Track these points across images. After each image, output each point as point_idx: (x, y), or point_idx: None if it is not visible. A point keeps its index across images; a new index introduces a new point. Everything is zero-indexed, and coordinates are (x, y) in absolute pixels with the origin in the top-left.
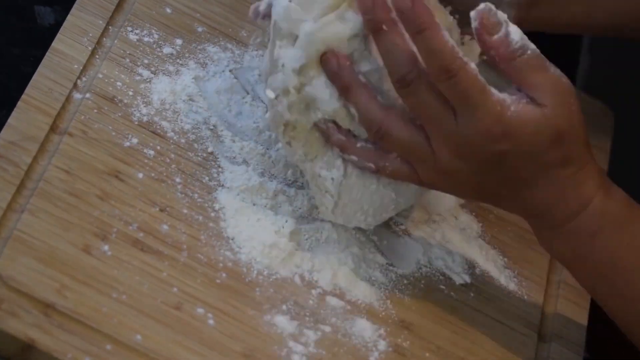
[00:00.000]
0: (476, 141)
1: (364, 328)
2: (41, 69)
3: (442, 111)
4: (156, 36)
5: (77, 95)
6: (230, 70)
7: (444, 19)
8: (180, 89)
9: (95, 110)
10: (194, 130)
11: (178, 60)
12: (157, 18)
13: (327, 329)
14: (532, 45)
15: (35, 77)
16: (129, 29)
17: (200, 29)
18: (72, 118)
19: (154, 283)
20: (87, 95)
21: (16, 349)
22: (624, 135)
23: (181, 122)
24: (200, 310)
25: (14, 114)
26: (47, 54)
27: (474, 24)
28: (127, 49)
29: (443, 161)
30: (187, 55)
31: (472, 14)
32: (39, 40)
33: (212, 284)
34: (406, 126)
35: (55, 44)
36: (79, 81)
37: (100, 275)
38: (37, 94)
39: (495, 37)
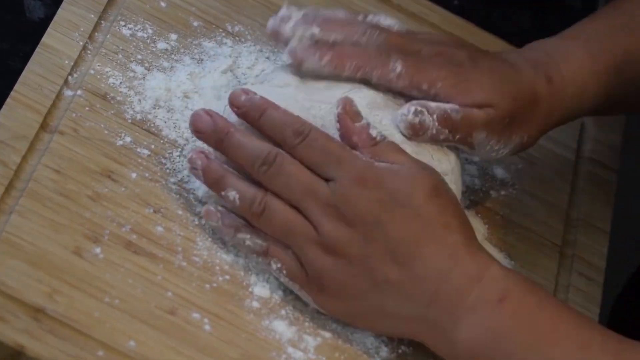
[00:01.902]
0: (352, 194)
1: (365, 334)
2: (31, 64)
3: (312, 180)
4: (150, 31)
5: (68, 92)
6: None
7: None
8: (175, 86)
9: (87, 108)
10: (189, 129)
11: (173, 56)
12: (151, 12)
13: (328, 335)
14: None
15: (24, 73)
16: (122, 23)
17: (195, 24)
18: (63, 116)
19: (147, 287)
20: (79, 92)
21: (5, 355)
22: (636, 132)
23: (176, 120)
24: (196, 315)
25: (2, 111)
26: (37, 49)
27: (338, 110)
28: (120, 44)
29: (326, 231)
30: (182, 50)
31: (337, 101)
32: (29, 35)
33: (208, 288)
34: (283, 205)
35: (45, 38)
36: (70, 77)
37: (92, 278)
38: (27, 90)
39: (358, 124)
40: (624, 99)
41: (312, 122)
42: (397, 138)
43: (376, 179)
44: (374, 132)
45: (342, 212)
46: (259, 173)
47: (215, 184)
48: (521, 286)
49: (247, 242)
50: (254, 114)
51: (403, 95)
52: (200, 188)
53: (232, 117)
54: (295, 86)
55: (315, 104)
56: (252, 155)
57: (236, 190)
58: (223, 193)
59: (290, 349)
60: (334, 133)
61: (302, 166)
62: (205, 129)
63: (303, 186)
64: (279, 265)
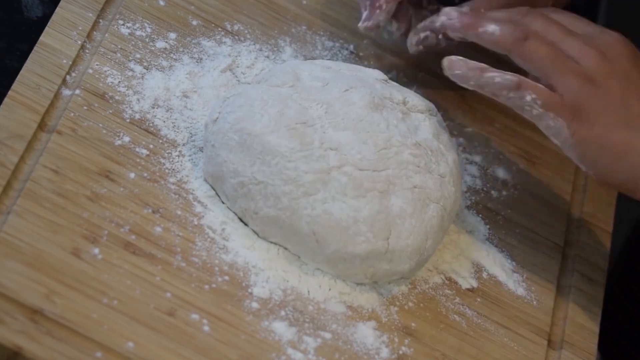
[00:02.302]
0: (610, 42)
1: (366, 335)
2: (28, 64)
3: (566, 29)
4: (149, 30)
5: (66, 92)
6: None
7: None
8: (174, 85)
9: (85, 107)
10: (188, 128)
11: (172, 55)
12: (149, 11)
13: (328, 335)
14: None
15: (22, 72)
16: (121, 22)
17: (195, 22)
18: (61, 115)
19: (146, 288)
20: (77, 91)
21: (2, 357)
22: None
23: (175, 120)
24: (195, 316)
25: None
26: (35, 48)
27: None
28: (118, 43)
29: (590, 63)
30: (181, 49)
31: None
32: (26, 34)
33: (207, 288)
34: (546, 40)
35: (43, 37)
36: (68, 77)
37: (90, 279)
38: (24, 90)
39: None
40: None
41: (310, 122)
42: (395, 141)
43: (626, 40)
44: None
45: (603, 51)
46: (516, 20)
47: (472, 25)
48: None
49: (497, 79)
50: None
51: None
52: (199, 188)
53: (229, 118)
54: (292, 85)
55: (313, 104)
56: (504, 14)
57: (496, 24)
58: (481, 29)
59: (290, 350)
60: (336, 131)
61: (554, 20)
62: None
63: (562, 29)
64: (533, 96)
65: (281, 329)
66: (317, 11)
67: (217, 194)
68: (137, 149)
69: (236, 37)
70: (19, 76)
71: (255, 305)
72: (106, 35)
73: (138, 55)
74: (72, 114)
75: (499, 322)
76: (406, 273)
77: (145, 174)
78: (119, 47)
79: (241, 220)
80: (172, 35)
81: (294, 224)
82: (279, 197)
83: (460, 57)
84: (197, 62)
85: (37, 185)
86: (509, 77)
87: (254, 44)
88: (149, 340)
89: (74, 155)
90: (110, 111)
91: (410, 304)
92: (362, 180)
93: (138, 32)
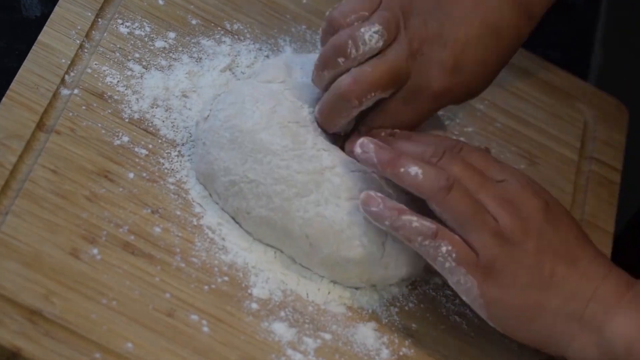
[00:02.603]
0: (524, 195)
1: (366, 336)
2: (27, 63)
3: (484, 176)
4: (148, 29)
5: (64, 91)
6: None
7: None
8: (174, 85)
9: (84, 107)
10: (187, 128)
11: (171, 55)
12: (148, 10)
13: (328, 336)
14: None
15: (20, 72)
16: (119, 21)
17: (194, 22)
18: (60, 115)
19: (145, 288)
20: (75, 91)
21: (1, 358)
22: None
23: (174, 120)
24: (194, 317)
25: None
26: (33, 47)
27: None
28: (117, 42)
29: (506, 222)
30: (180, 49)
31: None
32: (25, 33)
33: (207, 289)
34: (467, 192)
35: (41, 37)
36: (66, 76)
37: (89, 280)
38: (23, 89)
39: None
40: None
41: (302, 122)
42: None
43: (535, 185)
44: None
45: (518, 207)
46: (432, 162)
47: (391, 163)
48: None
49: (415, 224)
50: (402, 136)
51: None
52: (194, 188)
53: (220, 115)
54: (282, 81)
55: (305, 105)
56: (419, 151)
57: (418, 167)
58: (402, 169)
59: (289, 351)
60: (329, 134)
61: (468, 163)
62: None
63: (479, 178)
64: (449, 247)
65: (281, 330)
66: (317, 10)
67: (210, 194)
68: (136, 149)
69: (236, 36)
70: (17, 76)
71: (254, 306)
72: (105, 34)
73: (137, 55)
74: (70, 114)
75: None
76: (403, 278)
77: (145, 174)
78: (118, 46)
79: (236, 221)
80: (172, 35)
81: (286, 226)
82: (270, 196)
83: (379, 194)
84: (196, 61)
85: (36, 186)
86: (427, 223)
87: (253, 44)
88: (148, 341)
89: (73, 155)
90: (109, 111)
91: (411, 305)
92: (355, 182)
93: (137, 32)
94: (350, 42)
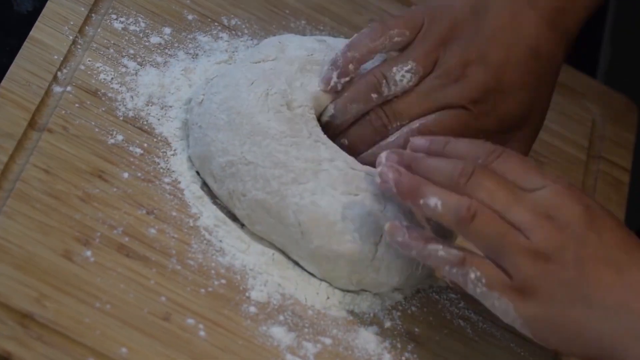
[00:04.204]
0: (562, 202)
1: (367, 340)
2: (18, 60)
3: (516, 189)
4: (143, 24)
5: (57, 89)
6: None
7: None
8: (169, 82)
9: (77, 105)
10: (183, 127)
11: (167, 51)
12: (143, 5)
13: (328, 341)
14: None
15: (11, 68)
16: (114, 16)
17: (190, 17)
18: (52, 113)
19: (140, 292)
20: (68, 88)
21: None
22: None
23: (170, 118)
24: (191, 321)
25: None
26: (25, 43)
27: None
28: (111, 38)
29: (539, 237)
30: (176, 45)
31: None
32: (16, 29)
33: (204, 292)
34: (493, 213)
35: (33, 32)
36: (59, 73)
37: (82, 283)
38: (14, 87)
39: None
40: None
41: (298, 105)
42: None
43: (576, 190)
44: None
45: (554, 217)
46: (459, 185)
47: (411, 193)
48: None
49: (441, 253)
50: (436, 147)
51: None
52: (189, 187)
53: (215, 98)
54: (274, 59)
55: (297, 83)
56: (448, 170)
57: (437, 197)
58: (422, 201)
59: (289, 356)
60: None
61: (501, 177)
62: (395, 176)
63: (509, 194)
64: (477, 274)
65: (280, 334)
66: (317, 5)
67: (204, 188)
68: (130, 148)
69: (233, 32)
70: (8, 72)
71: (253, 309)
72: (99, 30)
73: (132, 51)
74: (63, 112)
75: (505, 327)
76: (397, 286)
77: (139, 174)
78: (112, 42)
79: (232, 217)
80: (167, 30)
81: (280, 211)
82: (268, 180)
83: (404, 223)
84: (192, 58)
85: (28, 186)
86: (454, 251)
87: (251, 40)
88: (143, 345)
89: (66, 155)
90: (103, 109)
91: (414, 309)
92: (354, 179)
93: (132, 27)
94: (384, 81)
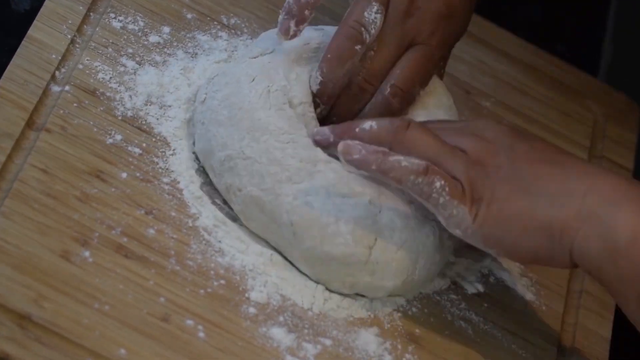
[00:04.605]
0: (488, 126)
1: (368, 341)
2: (16, 59)
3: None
4: (142, 23)
5: (55, 88)
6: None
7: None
8: (168, 81)
9: (75, 104)
10: (182, 126)
11: (165, 50)
12: (142, 4)
13: (328, 342)
14: None
15: (9, 68)
16: (112, 15)
17: (189, 16)
18: (50, 113)
19: (139, 292)
20: (67, 87)
21: None
22: None
23: (169, 117)
24: (190, 322)
25: None
26: (23, 42)
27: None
28: (110, 37)
29: (472, 147)
30: (175, 44)
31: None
32: (14, 28)
33: (203, 293)
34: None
35: (31, 31)
36: (57, 72)
37: (80, 283)
38: (12, 86)
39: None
40: None
41: (297, 102)
42: None
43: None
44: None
45: (482, 135)
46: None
47: (345, 130)
48: None
49: (404, 163)
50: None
51: None
52: (188, 187)
53: (218, 95)
54: (271, 52)
55: (293, 75)
56: (379, 130)
57: (371, 121)
58: (357, 129)
59: (288, 357)
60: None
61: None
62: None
63: (436, 124)
64: (442, 182)
65: (279, 335)
66: None
67: (203, 188)
68: (129, 148)
69: (233, 31)
70: (6, 72)
71: (252, 310)
72: (97, 29)
73: (130, 50)
74: (61, 111)
75: (506, 328)
76: (393, 291)
77: (138, 174)
78: (111, 41)
79: (231, 217)
80: (166, 29)
81: (274, 210)
82: (263, 176)
83: (358, 142)
84: (191, 57)
85: (26, 186)
86: (417, 161)
87: (251, 39)
88: (142, 346)
89: (64, 155)
90: (102, 108)
91: (414, 310)
92: (349, 182)
93: (130, 26)
94: (362, 28)
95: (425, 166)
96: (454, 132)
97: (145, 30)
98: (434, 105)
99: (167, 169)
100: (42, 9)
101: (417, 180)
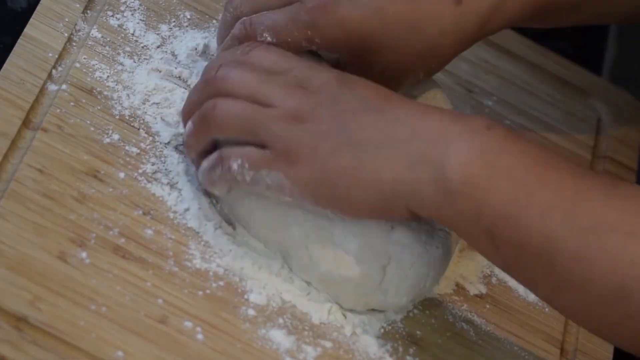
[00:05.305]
0: (312, 73)
1: (368, 344)
2: (12, 57)
3: (264, 73)
4: (139, 22)
5: (52, 87)
6: None
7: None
8: (166, 80)
9: (72, 103)
10: (181, 125)
11: (163, 48)
12: (140, 1)
13: (328, 344)
14: None
15: (5, 66)
16: (109, 13)
17: (187, 14)
18: (47, 112)
19: (136, 294)
20: (63, 86)
21: None
22: None
23: (167, 117)
24: (188, 324)
25: None
26: (19, 40)
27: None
28: (107, 35)
29: (291, 103)
30: (173, 42)
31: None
32: (10, 26)
33: (201, 294)
34: (234, 99)
35: (27, 29)
36: (54, 71)
37: (77, 285)
38: (8, 85)
39: None
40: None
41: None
42: None
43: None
44: None
45: (305, 85)
46: (209, 81)
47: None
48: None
49: (205, 165)
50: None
51: None
52: (186, 188)
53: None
54: None
55: None
56: (204, 72)
57: (182, 117)
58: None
59: None
60: None
61: (251, 65)
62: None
63: (260, 75)
64: (239, 161)
65: (279, 338)
66: None
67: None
68: (127, 147)
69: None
70: (1, 70)
71: (251, 312)
72: (94, 27)
73: (128, 49)
74: (58, 110)
75: (509, 330)
76: (403, 307)
77: (136, 174)
78: (108, 39)
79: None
80: (164, 28)
81: (285, 235)
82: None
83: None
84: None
85: (22, 186)
86: (211, 156)
87: None
88: (139, 349)
89: (61, 154)
90: (99, 107)
91: (415, 311)
92: None
93: (128, 24)
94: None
95: (218, 156)
96: (279, 81)
97: (143, 28)
98: None
99: (165, 169)
100: (38, 7)
101: (216, 173)
